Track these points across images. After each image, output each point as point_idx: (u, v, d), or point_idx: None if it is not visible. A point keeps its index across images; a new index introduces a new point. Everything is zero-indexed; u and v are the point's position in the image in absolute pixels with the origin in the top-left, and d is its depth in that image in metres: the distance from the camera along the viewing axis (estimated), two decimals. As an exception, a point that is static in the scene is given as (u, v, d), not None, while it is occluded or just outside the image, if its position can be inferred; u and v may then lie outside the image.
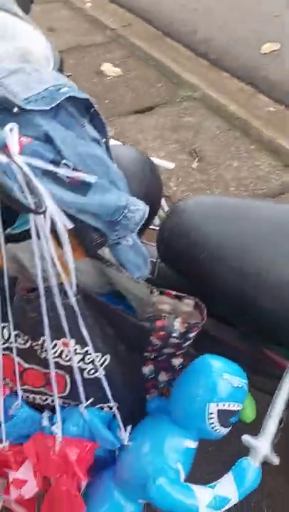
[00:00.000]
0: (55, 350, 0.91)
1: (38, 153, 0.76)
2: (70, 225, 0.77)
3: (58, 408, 0.93)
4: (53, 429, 0.97)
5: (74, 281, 0.82)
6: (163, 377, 1.08)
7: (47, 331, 0.84)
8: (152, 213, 1.34)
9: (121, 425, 0.96)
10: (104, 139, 0.96)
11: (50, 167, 0.75)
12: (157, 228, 1.28)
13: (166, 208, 1.55)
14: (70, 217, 0.80)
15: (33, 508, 1.14)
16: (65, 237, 0.77)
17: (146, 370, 1.06)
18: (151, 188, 1.23)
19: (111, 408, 1.05)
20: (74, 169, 0.79)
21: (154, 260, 1.27)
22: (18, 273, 0.90)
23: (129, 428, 0.98)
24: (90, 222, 0.82)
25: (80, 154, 0.82)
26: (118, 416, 0.95)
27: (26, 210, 0.69)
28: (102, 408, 1.03)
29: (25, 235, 0.93)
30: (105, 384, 0.91)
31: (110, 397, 0.92)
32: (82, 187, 0.80)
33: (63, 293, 0.85)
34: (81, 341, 0.92)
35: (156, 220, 1.50)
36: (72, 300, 0.84)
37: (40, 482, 1.01)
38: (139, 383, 1.07)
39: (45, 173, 0.76)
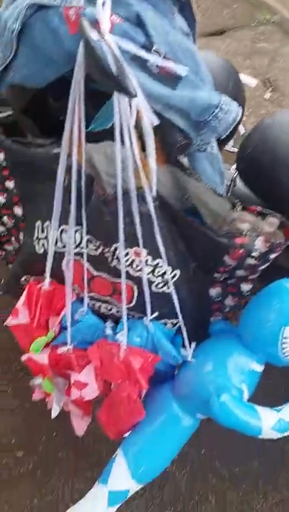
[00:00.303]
0: (126, 258, 0.89)
1: (129, 36, 0.68)
2: (156, 121, 0.71)
3: (124, 316, 0.92)
4: (118, 337, 0.98)
5: (154, 187, 0.77)
6: (229, 301, 1.04)
7: (121, 236, 0.80)
8: (230, 133, 1.24)
9: (186, 340, 0.95)
10: (193, 33, 0.86)
11: (142, 52, 0.68)
12: (232, 150, 1.19)
13: (243, 131, 1.44)
14: (156, 114, 0.73)
15: (89, 410, 1.19)
16: (150, 133, 0.71)
17: (214, 292, 1.02)
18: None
19: (174, 325, 1.04)
20: (165, 58, 0.71)
21: (228, 184, 1.20)
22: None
23: (193, 345, 0.96)
24: (176, 121, 0.76)
25: (171, 44, 0.74)
26: (184, 331, 0.93)
27: (121, 89, 0.63)
28: (165, 324, 1.02)
29: (104, 136, 0.89)
30: (175, 297, 0.89)
31: (178, 310, 0.90)
32: (171, 79, 0.72)
33: (141, 198, 0.81)
34: (153, 253, 0.88)
35: (231, 143, 1.41)
36: (151, 206, 0.79)
37: (101, 386, 1.03)
38: (205, 304, 1.04)
39: (134, 59, 0.69)
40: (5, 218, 1.07)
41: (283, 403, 0.89)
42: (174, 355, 0.98)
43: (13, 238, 1.14)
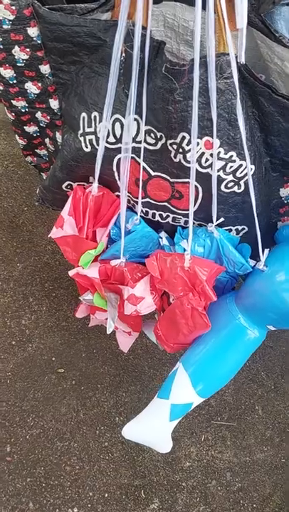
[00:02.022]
0: (196, 151, 0.75)
1: None
2: None
3: (191, 220, 0.80)
4: (180, 246, 0.87)
5: (243, 52, 0.61)
6: (300, 203, 0.92)
7: (195, 117, 0.66)
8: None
9: (260, 246, 0.84)
10: None
11: None
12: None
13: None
14: None
15: (138, 326, 1.13)
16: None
17: (285, 192, 0.89)
18: None
19: (238, 233, 0.93)
20: None
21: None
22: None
23: (266, 251, 0.86)
24: None
25: None
26: (258, 234, 0.82)
27: None
28: (229, 231, 0.91)
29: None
30: (252, 193, 0.76)
31: (255, 209, 0.78)
32: None
33: (220, 69, 0.65)
34: (227, 144, 0.74)
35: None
36: (235, 77, 0.63)
37: (158, 300, 0.95)
38: (274, 206, 0.92)
39: None
40: (38, 114, 0.91)
41: None
42: (243, 264, 0.88)
43: (47, 140, 0.99)
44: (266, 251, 0.86)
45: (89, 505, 1.26)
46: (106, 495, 1.28)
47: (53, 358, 1.44)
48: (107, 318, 1.06)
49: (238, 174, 0.79)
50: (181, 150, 0.75)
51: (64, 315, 1.51)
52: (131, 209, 0.94)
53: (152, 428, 0.96)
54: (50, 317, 1.51)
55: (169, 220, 0.91)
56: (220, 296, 0.96)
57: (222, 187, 0.81)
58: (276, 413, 1.41)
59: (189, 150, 0.74)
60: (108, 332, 0.95)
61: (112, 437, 1.35)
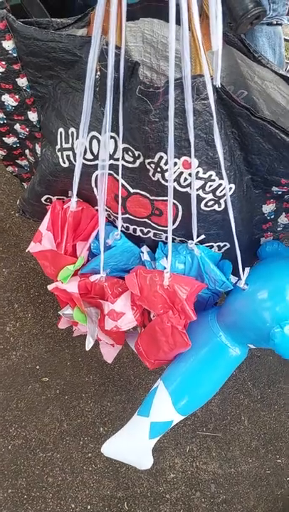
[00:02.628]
0: (173, 171, 0.73)
1: None
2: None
3: (170, 239, 0.79)
4: (160, 264, 0.86)
5: (218, 73, 0.59)
6: (283, 219, 0.91)
7: (171, 138, 0.64)
8: None
9: (240, 264, 0.82)
10: None
11: None
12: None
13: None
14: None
15: (121, 339, 1.11)
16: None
17: (267, 208, 0.88)
18: None
19: (220, 249, 0.91)
20: None
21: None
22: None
23: (247, 269, 0.84)
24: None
25: None
26: (238, 252, 0.80)
27: None
28: (211, 247, 0.89)
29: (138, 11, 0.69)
30: (230, 212, 0.74)
31: (234, 228, 0.76)
32: None
33: (196, 90, 0.63)
34: (205, 163, 0.73)
35: None
36: (212, 99, 0.62)
37: (139, 316, 0.94)
38: (257, 223, 0.90)
39: None
40: (17, 126, 0.89)
41: None
42: (224, 281, 0.86)
43: (27, 151, 0.97)
44: (247, 269, 0.84)
45: (71, 517, 1.25)
46: (88, 507, 1.27)
47: (37, 367, 1.43)
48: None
49: (217, 193, 0.77)
50: (159, 169, 0.74)
51: (49, 322, 1.50)
52: (112, 224, 0.92)
53: (132, 446, 0.95)
54: (35, 324, 1.49)
55: (150, 235, 0.90)
56: (202, 311, 0.95)
57: (202, 205, 0.79)
58: (262, 424, 1.40)
59: (167, 170, 0.72)
60: (87, 349, 0.93)
61: (96, 448, 1.34)
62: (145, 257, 0.91)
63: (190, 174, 0.73)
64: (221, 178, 0.75)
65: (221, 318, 0.91)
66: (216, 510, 1.29)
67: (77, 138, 0.76)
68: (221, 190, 0.77)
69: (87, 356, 1.45)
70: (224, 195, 0.78)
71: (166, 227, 0.82)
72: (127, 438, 0.96)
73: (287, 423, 1.40)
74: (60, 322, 1.16)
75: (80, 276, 0.94)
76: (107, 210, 0.88)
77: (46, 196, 0.91)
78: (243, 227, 0.87)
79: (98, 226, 0.87)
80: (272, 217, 0.90)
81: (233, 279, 0.89)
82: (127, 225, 0.88)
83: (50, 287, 0.95)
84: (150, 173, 0.75)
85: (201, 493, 1.31)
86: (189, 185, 0.75)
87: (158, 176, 0.75)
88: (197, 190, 0.76)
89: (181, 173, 0.74)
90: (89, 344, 0.94)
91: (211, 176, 0.75)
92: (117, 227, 0.88)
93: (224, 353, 0.90)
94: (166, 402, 0.92)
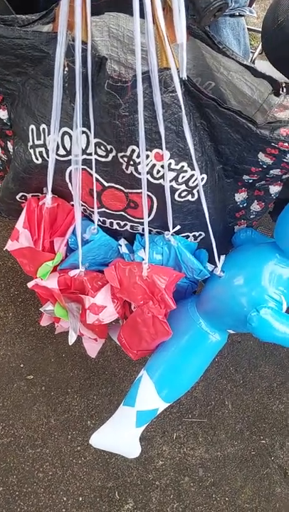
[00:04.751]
0: (146, 163, 0.74)
1: None
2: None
3: (146, 230, 0.80)
4: (138, 255, 0.87)
5: (184, 66, 0.60)
6: (255, 206, 0.93)
7: (141, 131, 0.65)
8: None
9: (215, 252, 0.84)
10: None
11: None
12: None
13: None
14: None
15: (104, 333, 1.13)
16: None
17: (239, 197, 0.90)
18: None
19: (196, 239, 0.93)
20: None
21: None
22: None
23: (223, 257, 0.86)
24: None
25: None
26: (213, 241, 0.82)
27: None
28: (187, 237, 0.91)
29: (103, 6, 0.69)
30: (204, 201, 0.76)
31: (207, 216, 0.78)
32: None
33: (164, 83, 0.64)
34: (177, 155, 0.74)
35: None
36: (179, 92, 0.63)
37: (120, 309, 0.95)
38: (230, 211, 0.92)
39: None
40: (-13, 124, 0.89)
41: None
42: (201, 270, 0.88)
43: (-1, 149, 0.97)
44: (222, 257, 0.87)
45: (63, 510, 1.27)
46: (80, 499, 1.29)
47: (22, 365, 1.43)
48: (72, 325, 1.05)
49: (190, 184, 0.79)
50: (132, 162, 0.75)
51: (31, 320, 1.49)
52: (88, 218, 0.93)
53: (120, 435, 0.97)
54: (17, 323, 1.49)
55: (127, 228, 0.91)
56: (181, 300, 0.97)
57: (176, 196, 0.81)
58: (245, 407, 1.44)
59: (140, 162, 0.74)
60: (70, 343, 0.94)
61: (85, 441, 1.35)
62: (123, 249, 0.92)
63: (162, 166, 0.75)
64: (193, 168, 0.76)
65: (200, 306, 0.93)
66: (205, 493, 1.33)
67: (48, 134, 0.76)
68: (194, 181, 0.79)
69: (70, 352, 1.46)
70: (197, 185, 0.79)
71: (142, 219, 0.83)
72: (114, 428, 0.97)
73: (270, 405, 1.44)
74: (42, 319, 1.17)
75: (59, 272, 0.95)
76: (82, 205, 0.88)
77: (21, 194, 0.91)
78: (216, 215, 0.89)
79: (75, 221, 0.88)
80: (245, 205, 0.92)
81: (210, 267, 0.91)
82: (104, 218, 0.89)
83: (30, 284, 0.95)
84: (123, 167, 0.76)
85: (189, 478, 1.34)
86: (162, 177, 0.76)
87: (131, 168, 0.76)
88: (170, 181, 0.77)
89: (154, 165, 0.75)
90: (71, 339, 0.95)
91: (182, 167, 0.76)
92: (93, 222, 0.89)
93: (204, 339, 0.92)
94: (150, 390, 0.93)
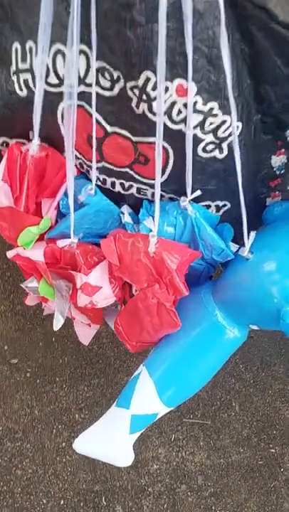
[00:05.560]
0: (164, 99, 0.56)
1: None
2: None
3: (157, 193, 0.62)
4: (144, 226, 0.69)
5: None
6: (295, 174, 0.74)
7: (162, 48, 0.47)
8: None
9: (245, 229, 0.66)
10: None
11: None
12: None
13: None
14: None
15: (99, 318, 0.96)
16: None
17: (277, 161, 0.72)
18: None
19: (218, 210, 0.75)
20: None
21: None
22: None
23: (253, 234, 0.68)
24: None
25: None
26: (244, 213, 0.64)
27: None
28: (207, 207, 0.73)
29: None
30: (237, 157, 0.58)
31: (240, 179, 0.60)
32: None
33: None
34: (206, 91, 0.56)
35: None
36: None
37: (119, 291, 0.78)
38: (263, 179, 0.74)
39: None
40: None
41: None
42: (223, 249, 0.70)
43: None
44: (252, 233, 0.69)
45: (41, 515, 1.12)
46: (62, 502, 1.14)
47: (5, 347, 1.28)
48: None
49: (219, 134, 0.61)
50: (144, 97, 0.56)
51: (20, 298, 1.33)
52: (85, 176, 0.75)
53: (109, 442, 0.81)
54: (3, 300, 1.33)
55: (133, 191, 0.73)
56: (194, 286, 0.79)
57: (199, 150, 0.62)
58: (254, 410, 1.28)
59: (155, 98, 0.55)
60: (55, 328, 0.78)
61: (71, 437, 1.21)
62: (126, 218, 0.74)
63: (185, 105, 0.56)
64: (226, 112, 0.58)
65: (217, 295, 0.76)
66: (204, 505, 1.18)
67: (37, 54, 0.57)
68: (225, 130, 0.60)
69: (61, 336, 1.30)
70: (228, 136, 0.61)
71: (153, 179, 0.65)
72: (103, 433, 0.82)
73: (282, 409, 1.28)
74: (28, 298, 1.00)
75: (46, 241, 0.77)
76: (78, 158, 0.70)
77: (2, 139, 0.72)
78: (247, 182, 0.71)
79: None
80: (282, 172, 0.74)
81: (233, 247, 0.73)
82: (104, 177, 0.71)
83: (9, 254, 0.78)
84: (133, 104, 0.58)
85: (187, 486, 1.19)
86: (184, 120, 0.58)
87: (143, 107, 0.57)
88: (194, 128, 0.59)
89: (174, 102, 0.56)
90: (57, 323, 0.78)
91: (212, 109, 0.58)
92: (91, 180, 0.71)
93: (220, 335, 0.75)
94: (150, 391, 0.78)
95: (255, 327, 0.75)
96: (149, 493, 1.17)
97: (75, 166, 0.73)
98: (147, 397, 0.78)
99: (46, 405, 1.23)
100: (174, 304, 0.72)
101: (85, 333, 1.03)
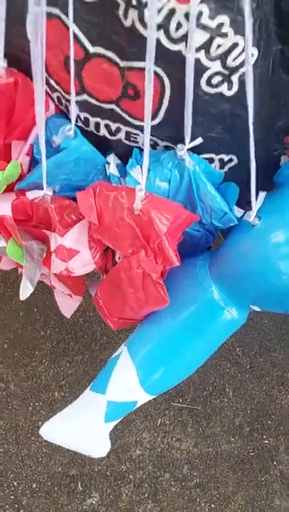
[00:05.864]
0: (160, 5, 0.42)
1: None
2: None
3: (147, 133, 0.49)
4: (131, 178, 0.57)
5: None
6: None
7: None
8: None
9: (253, 189, 0.54)
10: None
11: None
12: None
13: None
14: None
15: (80, 289, 0.85)
16: None
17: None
18: None
19: (223, 166, 0.62)
20: None
21: None
22: None
23: (262, 195, 0.56)
24: None
25: None
26: (253, 170, 0.52)
27: None
28: (211, 161, 0.60)
29: None
30: (250, 96, 0.45)
31: (251, 122, 0.47)
32: None
33: None
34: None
35: None
36: None
37: (99, 258, 0.66)
38: (278, 132, 0.61)
39: None
40: None
41: None
42: (225, 212, 0.58)
43: None
44: (261, 195, 0.56)
45: (11, 497, 1.04)
46: (34, 485, 1.06)
47: (-19, 315, 1.17)
48: (42, 274, 0.78)
49: (229, 61, 0.48)
50: (134, 1, 0.43)
51: (1, 262, 1.22)
52: (66, 115, 0.62)
53: (82, 430, 0.72)
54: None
55: (121, 136, 0.60)
56: (188, 257, 0.67)
57: (202, 83, 0.50)
58: (249, 397, 1.18)
59: (147, 3, 0.42)
60: (21, 298, 0.66)
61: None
62: (112, 169, 0.62)
63: (187, 16, 0.43)
64: (239, 32, 0.45)
65: (215, 268, 0.65)
66: (188, 496, 1.09)
67: None
68: (236, 57, 0.47)
69: (44, 306, 1.20)
70: (239, 66, 0.48)
71: (142, 122, 0.52)
72: (75, 419, 0.73)
73: (279, 398, 1.18)
74: (2, 261, 0.88)
75: (16, 194, 0.65)
76: (55, 89, 0.57)
77: None
78: (259, 133, 0.58)
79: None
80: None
81: (238, 211, 0.61)
82: (86, 115, 0.58)
83: (-28, 207, 0.65)
84: (120, 12, 0.44)
85: (170, 475, 1.11)
86: (184, 38, 0.45)
87: (132, 16, 0.44)
88: (197, 50, 0.46)
89: (173, 11, 0.43)
90: (25, 291, 0.66)
91: (222, 25, 0.45)
92: (69, 120, 0.58)
93: (216, 315, 0.65)
94: (130, 376, 0.68)
95: (256, 308, 0.64)
96: (130, 481, 1.08)
97: (52, 100, 0.60)
98: (126, 382, 0.68)
99: (23, 380, 1.14)
100: (163, 276, 0.60)
101: (67, 304, 0.93)
